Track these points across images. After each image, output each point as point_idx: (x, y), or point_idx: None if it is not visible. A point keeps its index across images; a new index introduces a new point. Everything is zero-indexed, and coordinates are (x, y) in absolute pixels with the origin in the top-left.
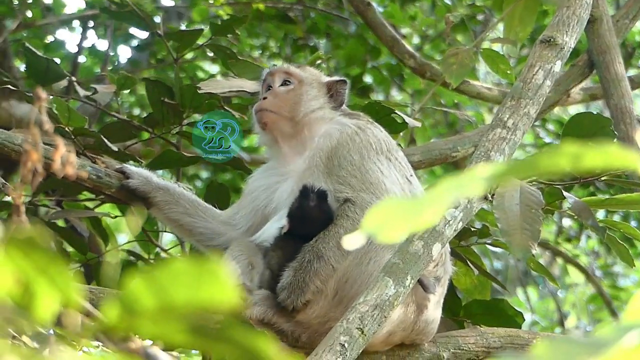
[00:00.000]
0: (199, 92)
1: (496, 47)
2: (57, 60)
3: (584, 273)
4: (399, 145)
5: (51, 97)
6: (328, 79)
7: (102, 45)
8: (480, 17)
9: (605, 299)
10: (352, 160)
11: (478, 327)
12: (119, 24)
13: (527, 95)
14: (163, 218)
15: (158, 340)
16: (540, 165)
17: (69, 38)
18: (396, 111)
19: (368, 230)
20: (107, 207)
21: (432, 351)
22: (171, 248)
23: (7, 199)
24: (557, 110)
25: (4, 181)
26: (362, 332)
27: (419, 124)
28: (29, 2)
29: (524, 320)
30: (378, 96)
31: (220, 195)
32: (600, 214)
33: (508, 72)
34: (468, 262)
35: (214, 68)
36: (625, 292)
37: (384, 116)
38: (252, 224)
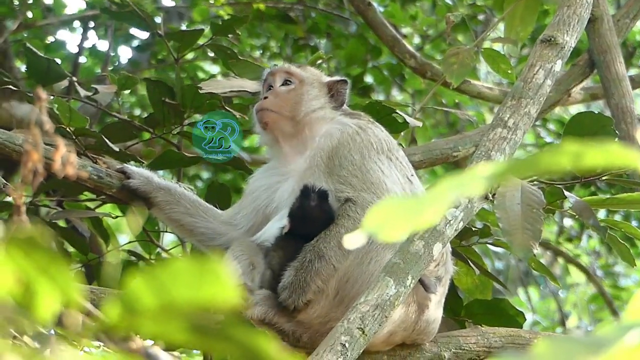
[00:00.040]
0: (200, 92)
1: (497, 46)
2: (58, 61)
3: (585, 273)
4: (400, 145)
5: (52, 97)
6: (329, 78)
7: (103, 45)
8: (481, 16)
9: (607, 299)
10: (353, 159)
11: (479, 326)
12: (120, 25)
13: (527, 94)
14: (164, 218)
15: (159, 340)
16: (541, 164)
17: (70, 38)
18: (397, 111)
19: (369, 230)
20: (108, 208)
21: (434, 351)
22: (172, 248)
23: (8, 199)
24: (558, 110)
25: (5, 181)
26: (363, 332)
27: (419, 124)
28: (29, 2)
29: (525, 320)
30: (379, 96)
31: (221, 195)
32: (601, 214)
33: (509, 71)
34: (469, 261)
35: (214, 68)
36: (626, 292)
37: (385, 116)
38: (253, 223)
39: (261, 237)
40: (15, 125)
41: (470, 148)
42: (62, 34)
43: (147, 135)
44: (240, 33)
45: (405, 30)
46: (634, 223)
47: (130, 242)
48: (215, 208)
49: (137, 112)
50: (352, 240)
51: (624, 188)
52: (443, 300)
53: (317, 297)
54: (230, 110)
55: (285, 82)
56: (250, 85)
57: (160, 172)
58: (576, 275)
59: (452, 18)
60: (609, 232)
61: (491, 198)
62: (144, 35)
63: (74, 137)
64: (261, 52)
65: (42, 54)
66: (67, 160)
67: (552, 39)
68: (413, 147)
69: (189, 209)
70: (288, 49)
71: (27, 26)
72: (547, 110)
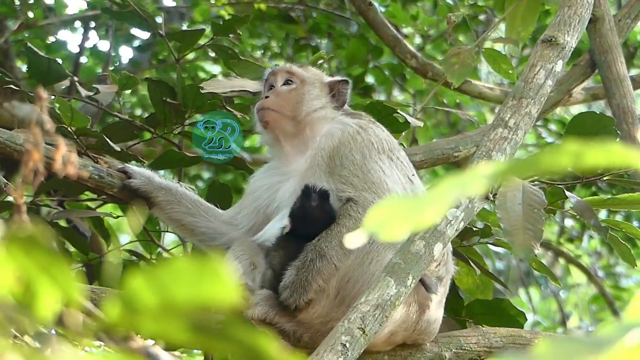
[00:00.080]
0: (201, 92)
1: (498, 46)
2: (59, 61)
3: (586, 273)
4: (401, 145)
5: (53, 97)
6: (330, 78)
7: (104, 45)
8: (482, 16)
9: (608, 300)
10: (354, 159)
11: (480, 327)
12: (121, 25)
13: (528, 94)
14: (165, 218)
15: (160, 339)
16: (542, 164)
17: (71, 38)
18: (398, 111)
19: (370, 229)
20: (109, 207)
21: (434, 351)
22: (173, 248)
23: (9, 198)
24: (559, 110)
25: (6, 181)
26: (364, 332)
27: (421, 124)
28: (30, 2)
29: (526, 320)
30: (380, 96)
31: (222, 195)
32: (603, 214)
33: (510, 71)
34: (470, 262)
35: (215, 68)
36: (627, 293)
37: (386, 116)
38: (254, 223)
39: (262, 237)
40: (16, 125)
41: (472, 148)
42: (63, 34)
43: (148, 135)
44: (241, 33)
45: (407, 30)
46: (635, 223)
47: (131, 241)
48: (216, 208)
49: (138, 112)
50: (353, 240)
51: (625, 188)
52: (444, 300)
53: (318, 297)
54: (232, 110)
55: (287, 82)
56: (251, 85)
57: (161, 172)
58: (577, 276)
59: (453, 18)
60: (610, 232)
61: (492, 198)
62: (145, 35)
63: (75, 136)
64: (262, 52)
65: (43, 54)
66: (68, 159)
67: (553, 39)
68: (414, 147)
69: (190, 208)
70: (289, 49)
71: (28, 26)
72: (548, 111)
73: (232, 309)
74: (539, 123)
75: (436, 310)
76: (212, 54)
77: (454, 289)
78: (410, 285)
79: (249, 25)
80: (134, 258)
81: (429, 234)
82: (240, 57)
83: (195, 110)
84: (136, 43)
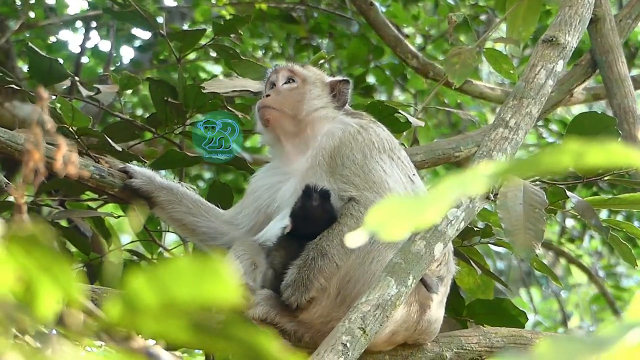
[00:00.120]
0: (203, 92)
1: (499, 46)
2: (60, 61)
3: (587, 273)
4: (402, 144)
5: (54, 97)
6: (331, 78)
7: (105, 45)
8: (483, 17)
9: (608, 299)
10: (355, 159)
11: (481, 326)
12: (122, 25)
13: (529, 94)
14: (166, 218)
15: (161, 339)
16: (543, 164)
17: (72, 38)
18: (399, 111)
19: (371, 228)
20: (110, 207)
21: (435, 351)
22: (174, 248)
23: (10, 198)
24: (560, 110)
25: (7, 181)
26: (364, 332)
27: (422, 124)
28: (31, 2)
29: (527, 320)
30: (381, 96)
31: (223, 195)
32: (603, 214)
33: (511, 71)
34: (471, 261)
35: (216, 68)
36: (628, 293)
37: (387, 116)
38: (255, 223)
39: (263, 236)
40: (17, 124)
41: (472, 148)
42: (65, 34)
43: (149, 135)
44: (242, 33)
45: (408, 30)
46: (636, 223)
47: (132, 241)
48: (217, 208)
49: (139, 112)
50: (354, 239)
51: (626, 188)
52: (445, 300)
53: (319, 296)
54: (233, 110)
55: (288, 81)
56: (252, 85)
57: (163, 172)
58: (578, 276)
59: (454, 18)
60: (611, 232)
61: (493, 198)
62: (146, 35)
63: (76, 136)
64: (263, 52)
65: (44, 54)
66: (68, 159)
67: (554, 39)
68: (415, 147)
69: (191, 208)
70: (290, 49)
71: (30, 26)
72: (549, 111)
73: (233, 309)
74: (539, 123)
75: (437, 310)
76: (214, 54)
77: (455, 288)
78: (411, 285)
79: (250, 25)
80: (135, 258)
81: (430, 233)
82: (242, 57)
83: (197, 110)
84: (137, 43)
